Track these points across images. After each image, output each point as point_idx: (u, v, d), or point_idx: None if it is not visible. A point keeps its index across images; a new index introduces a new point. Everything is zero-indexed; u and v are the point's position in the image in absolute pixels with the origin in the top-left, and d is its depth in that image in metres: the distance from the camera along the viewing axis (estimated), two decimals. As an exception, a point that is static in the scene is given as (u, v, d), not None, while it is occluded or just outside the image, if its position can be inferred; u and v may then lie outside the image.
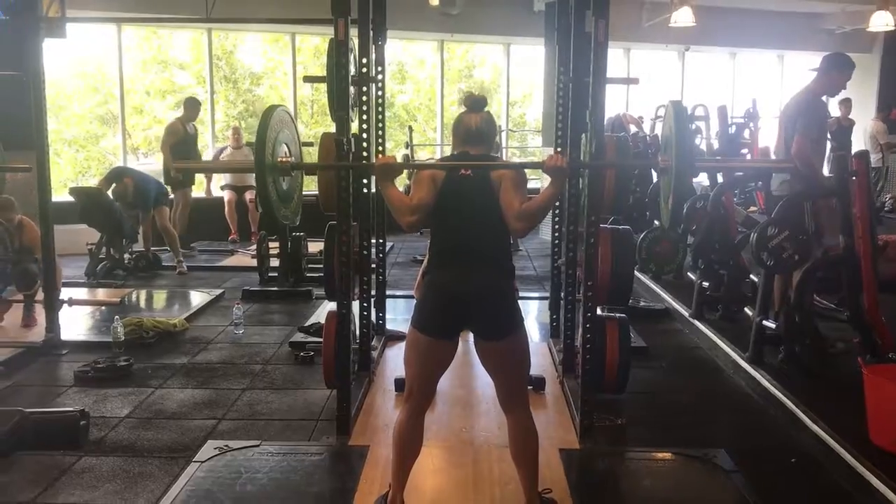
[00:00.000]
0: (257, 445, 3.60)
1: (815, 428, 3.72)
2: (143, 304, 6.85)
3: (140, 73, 12.17)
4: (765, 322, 4.61)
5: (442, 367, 2.84)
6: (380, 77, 4.74)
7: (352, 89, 3.85)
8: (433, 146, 12.21)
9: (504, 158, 10.00)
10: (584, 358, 4.29)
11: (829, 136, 6.49)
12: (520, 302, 3.07)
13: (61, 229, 5.49)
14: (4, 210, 5.32)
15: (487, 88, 13.14)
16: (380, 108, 4.86)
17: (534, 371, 4.17)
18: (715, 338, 5.24)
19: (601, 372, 4.17)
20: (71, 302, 5.38)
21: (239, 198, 9.70)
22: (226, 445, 3.60)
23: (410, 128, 10.95)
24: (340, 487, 3.22)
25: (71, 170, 12.50)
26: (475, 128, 2.85)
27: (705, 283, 5.66)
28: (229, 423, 4.03)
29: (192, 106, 8.95)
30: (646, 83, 12.23)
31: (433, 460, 3.47)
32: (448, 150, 3.03)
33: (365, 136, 4.15)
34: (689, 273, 6.76)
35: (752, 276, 5.68)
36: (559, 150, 4.53)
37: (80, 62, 11.97)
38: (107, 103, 12.04)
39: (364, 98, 4.22)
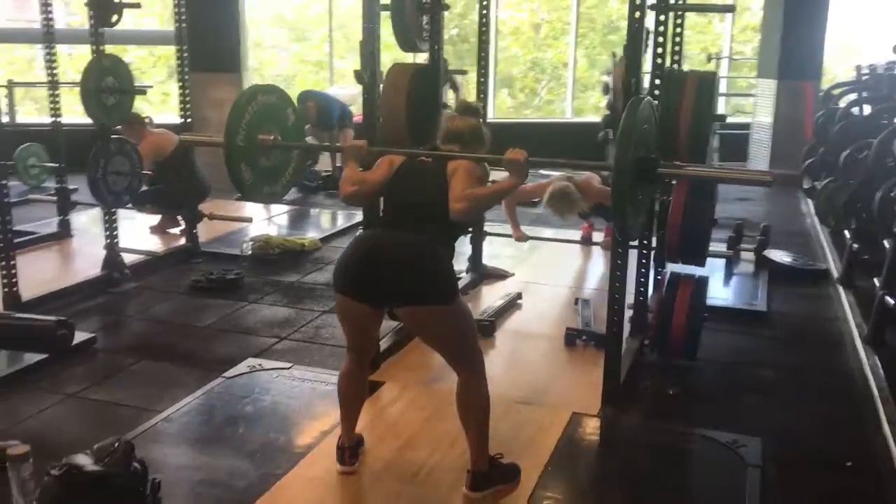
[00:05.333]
0: (288, 368, 3.74)
1: (887, 430, 3.13)
2: (291, 222, 7.26)
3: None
4: (887, 298, 3.89)
5: (361, 329, 2.73)
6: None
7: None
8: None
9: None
10: (634, 317, 3.97)
11: None
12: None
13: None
14: (131, 126, 5.80)
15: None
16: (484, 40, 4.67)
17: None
18: (848, 309, 4.52)
19: (665, 334, 3.81)
20: (211, 216, 5.84)
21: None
22: (259, 365, 3.78)
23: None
24: (324, 416, 3.24)
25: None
26: (453, 127, 2.81)
27: (856, 245, 4.86)
28: (288, 343, 4.21)
29: None
30: None
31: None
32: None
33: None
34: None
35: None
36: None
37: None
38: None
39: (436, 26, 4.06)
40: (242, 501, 2.66)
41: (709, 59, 10.56)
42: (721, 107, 11.26)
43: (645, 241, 3.97)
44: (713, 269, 5.40)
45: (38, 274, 5.07)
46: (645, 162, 2.60)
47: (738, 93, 11.62)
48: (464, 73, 5.48)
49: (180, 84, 5.76)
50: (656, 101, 3.65)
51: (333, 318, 4.49)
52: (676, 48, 4.26)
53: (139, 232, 6.30)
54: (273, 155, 3.06)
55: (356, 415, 2.87)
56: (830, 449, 3.19)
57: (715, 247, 5.66)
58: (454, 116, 2.86)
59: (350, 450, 2.85)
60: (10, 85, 9.47)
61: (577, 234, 5.93)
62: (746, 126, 9.73)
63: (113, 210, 5.09)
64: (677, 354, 3.87)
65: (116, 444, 2.51)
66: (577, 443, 3.10)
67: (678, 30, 4.24)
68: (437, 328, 2.61)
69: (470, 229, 4.75)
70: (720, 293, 5.00)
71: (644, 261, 4.00)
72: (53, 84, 5.81)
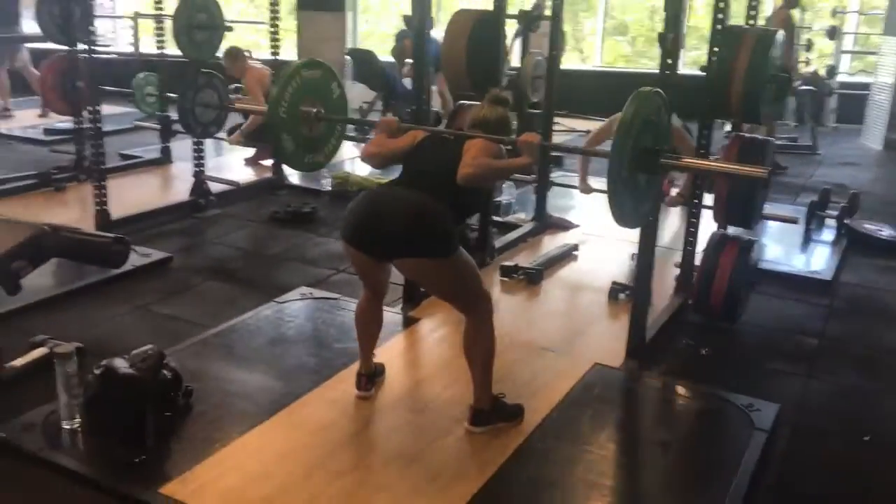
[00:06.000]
0: (336, 299, 3.96)
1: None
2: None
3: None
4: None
5: (370, 274, 2.88)
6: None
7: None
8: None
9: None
10: (681, 275, 3.97)
11: None
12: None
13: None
14: (234, 59, 6.08)
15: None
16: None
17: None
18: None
19: (707, 295, 3.80)
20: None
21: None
22: (310, 293, 4.02)
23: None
24: (357, 345, 3.43)
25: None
26: (481, 116, 2.86)
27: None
28: (343, 275, 4.44)
29: None
30: None
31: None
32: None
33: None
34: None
35: None
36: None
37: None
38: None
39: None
40: (262, 414, 2.90)
41: (833, 13, 9.96)
42: (845, 64, 10.63)
43: (696, 200, 3.94)
44: (787, 234, 5.28)
45: (133, 196, 5.51)
46: (647, 153, 2.57)
47: (862, 51, 10.88)
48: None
49: (272, 22, 6.00)
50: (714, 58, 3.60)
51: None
52: (754, 2, 4.12)
53: (235, 162, 6.69)
54: (316, 127, 3.21)
55: (371, 344, 3.05)
56: (853, 422, 3.14)
57: (797, 211, 5.53)
58: (482, 106, 2.91)
59: (366, 377, 3.04)
60: (136, 16, 10.07)
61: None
62: (867, 87, 9.18)
63: (200, 140, 5.43)
64: (718, 316, 3.85)
65: (150, 352, 2.79)
66: (589, 391, 3.17)
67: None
68: (432, 278, 2.75)
69: (474, 219, 4.59)
70: (786, 258, 4.87)
71: (693, 219, 3.96)
72: (159, 17, 6.18)
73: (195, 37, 5.08)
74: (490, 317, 2.81)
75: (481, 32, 4.13)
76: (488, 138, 2.75)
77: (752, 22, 4.05)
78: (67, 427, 2.73)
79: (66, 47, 5.58)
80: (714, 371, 3.51)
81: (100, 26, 12.68)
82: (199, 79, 5.13)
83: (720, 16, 3.63)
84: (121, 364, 2.73)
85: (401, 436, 2.83)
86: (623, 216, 2.58)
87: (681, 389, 3.23)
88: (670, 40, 3.00)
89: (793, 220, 4.59)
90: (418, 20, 3.55)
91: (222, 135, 6.14)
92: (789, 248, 5.24)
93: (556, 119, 5.65)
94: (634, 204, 2.65)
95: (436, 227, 2.63)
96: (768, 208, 5.31)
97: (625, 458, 2.85)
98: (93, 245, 3.29)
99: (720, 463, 2.76)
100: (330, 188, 5.99)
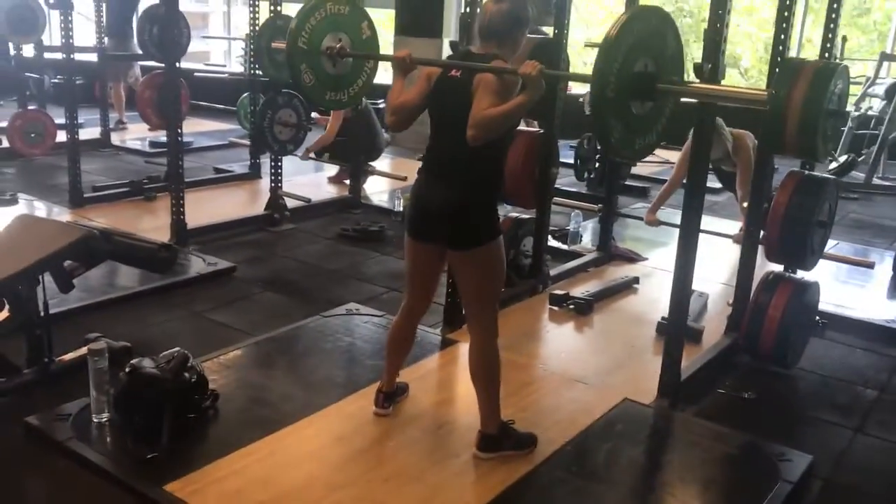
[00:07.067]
0: (380, 316, 4.02)
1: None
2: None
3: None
4: None
5: (421, 272, 2.90)
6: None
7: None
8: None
9: None
10: (733, 313, 3.83)
11: None
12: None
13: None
14: None
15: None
16: None
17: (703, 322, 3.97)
18: None
19: (756, 336, 3.64)
20: (372, 171, 6.27)
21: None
22: (356, 309, 4.10)
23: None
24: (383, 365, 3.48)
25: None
26: (487, 21, 2.66)
27: None
28: (395, 294, 4.49)
29: None
30: None
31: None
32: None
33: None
34: None
35: None
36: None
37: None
38: None
39: None
40: (279, 422, 2.98)
41: (843, 39, 9.20)
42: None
43: (752, 235, 3.79)
44: (870, 277, 4.99)
45: (214, 207, 5.77)
46: (641, 77, 2.44)
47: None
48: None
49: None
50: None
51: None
52: (830, 34, 3.94)
53: (322, 180, 6.93)
54: (340, 64, 3.24)
55: (398, 363, 3.09)
56: (894, 486, 2.93)
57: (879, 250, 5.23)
58: (488, 3, 2.68)
59: (385, 395, 3.07)
60: (248, 38, 10.56)
61: (730, 226, 5.66)
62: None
63: (279, 156, 5.64)
64: (768, 359, 3.68)
65: (175, 354, 2.92)
66: (611, 426, 3.10)
67: (833, 15, 3.92)
68: (473, 267, 2.74)
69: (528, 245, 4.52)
70: (863, 304, 4.60)
71: (747, 256, 3.81)
72: (250, 39, 6.49)
73: (276, 58, 5.30)
74: (495, 334, 2.80)
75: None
76: (492, 70, 2.56)
77: (827, 55, 3.90)
78: (96, 420, 2.89)
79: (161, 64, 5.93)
80: (753, 416, 3.35)
81: (214, 47, 13.46)
82: (278, 98, 5.35)
83: (780, 47, 3.50)
84: (147, 364, 2.87)
85: (407, 454, 2.84)
86: (612, 144, 2.51)
87: (708, 431, 3.10)
88: (708, 70, 2.91)
89: (867, 265, 4.34)
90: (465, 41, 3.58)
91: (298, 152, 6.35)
92: (871, 294, 4.95)
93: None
94: (628, 133, 2.54)
95: (473, 215, 2.67)
96: (851, 250, 5.06)
97: (632, 497, 2.76)
98: (140, 250, 3.48)
99: (733, 512, 2.65)
100: (401, 209, 6.08)
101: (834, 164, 7.78)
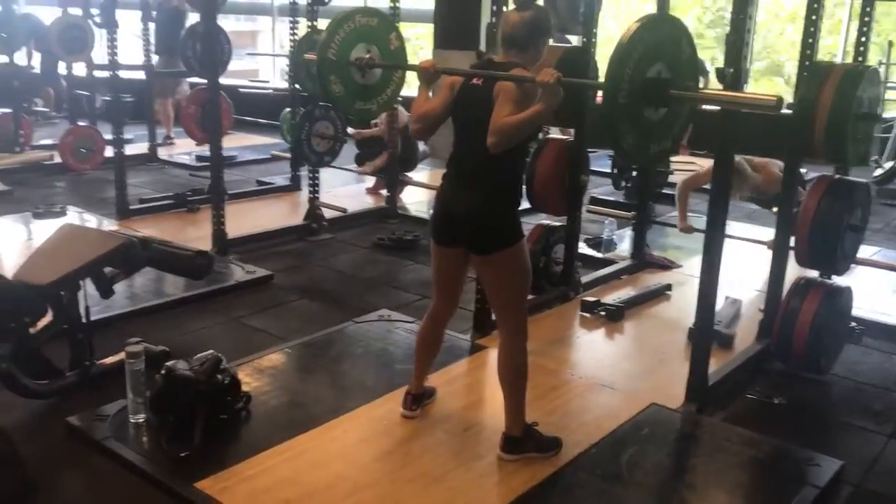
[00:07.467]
0: (411, 322, 4.08)
1: None
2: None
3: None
4: None
5: (446, 275, 2.95)
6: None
7: None
8: None
9: None
10: (765, 319, 3.81)
11: None
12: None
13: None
14: None
15: None
16: None
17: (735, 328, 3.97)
18: None
19: (787, 342, 3.61)
20: (408, 182, 6.35)
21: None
22: (388, 315, 4.17)
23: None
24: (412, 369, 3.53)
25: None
26: (508, 30, 2.70)
27: None
28: (426, 300, 4.51)
29: None
30: None
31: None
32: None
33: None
34: None
35: None
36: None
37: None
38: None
39: None
40: (309, 423, 3.05)
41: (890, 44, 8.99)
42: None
43: (782, 240, 3.77)
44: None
45: (255, 218, 5.91)
46: (653, 83, 2.44)
47: None
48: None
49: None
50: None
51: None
52: (863, 38, 3.92)
53: (358, 191, 7.04)
54: (369, 74, 3.32)
55: (426, 366, 3.14)
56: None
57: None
58: (511, 12, 2.73)
59: (413, 397, 3.13)
60: (291, 55, 10.75)
61: (762, 233, 5.60)
62: None
63: (316, 168, 5.76)
64: (800, 365, 3.65)
65: (208, 357, 3.02)
66: (637, 430, 3.10)
67: (866, 18, 3.90)
68: (499, 272, 2.79)
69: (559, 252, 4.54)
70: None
71: (779, 261, 3.78)
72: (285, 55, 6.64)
73: (312, 71, 5.42)
74: (525, 335, 2.84)
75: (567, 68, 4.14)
76: (511, 78, 2.59)
77: (860, 59, 3.88)
78: (133, 421, 3.00)
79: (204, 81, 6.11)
80: (783, 421, 3.32)
81: (263, 64, 13.72)
82: (315, 111, 5.47)
83: (808, 51, 3.49)
84: (182, 366, 2.97)
85: (432, 456, 2.89)
86: (625, 150, 2.52)
87: (736, 436, 3.08)
88: (730, 75, 2.92)
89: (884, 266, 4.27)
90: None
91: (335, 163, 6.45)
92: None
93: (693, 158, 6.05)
94: (642, 139, 2.54)
95: (497, 221, 2.73)
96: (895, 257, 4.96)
97: (654, 500, 2.76)
98: (178, 257, 3.60)
99: (756, 515, 2.64)
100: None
101: (879, 171, 7.67)
